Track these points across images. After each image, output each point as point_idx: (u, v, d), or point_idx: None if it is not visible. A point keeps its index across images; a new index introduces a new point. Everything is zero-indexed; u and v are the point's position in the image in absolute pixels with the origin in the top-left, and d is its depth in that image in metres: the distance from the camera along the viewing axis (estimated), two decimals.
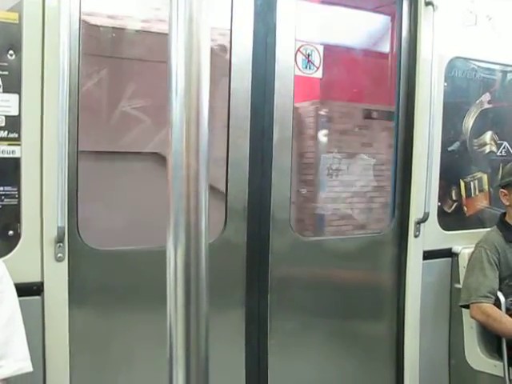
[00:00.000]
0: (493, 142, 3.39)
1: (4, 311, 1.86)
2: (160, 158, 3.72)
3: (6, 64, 2.11)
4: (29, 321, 1.97)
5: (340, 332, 3.07)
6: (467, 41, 3.19)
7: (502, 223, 3.12)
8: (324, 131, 5.47)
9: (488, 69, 3.32)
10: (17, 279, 1.98)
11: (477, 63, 3.26)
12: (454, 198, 3.27)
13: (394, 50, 3.21)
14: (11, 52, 2.11)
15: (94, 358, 2.46)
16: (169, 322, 0.79)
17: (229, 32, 2.60)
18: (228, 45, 2.61)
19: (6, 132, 2.13)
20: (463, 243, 3.22)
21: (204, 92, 0.76)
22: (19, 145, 2.15)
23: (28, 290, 2.13)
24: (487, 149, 3.38)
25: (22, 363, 1.86)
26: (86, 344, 2.42)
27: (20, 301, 1.98)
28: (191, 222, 0.78)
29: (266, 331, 2.81)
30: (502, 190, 3.11)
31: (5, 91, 2.11)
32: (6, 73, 2.11)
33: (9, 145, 2.13)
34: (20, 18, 2.10)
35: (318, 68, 2.88)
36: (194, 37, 0.76)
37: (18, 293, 2.00)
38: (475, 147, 3.33)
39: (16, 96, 2.13)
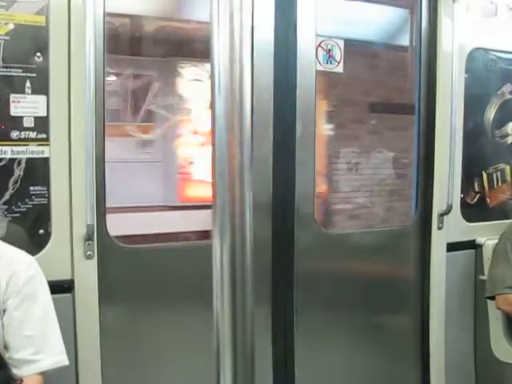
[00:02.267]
0: None
1: (39, 307, 1.90)
2: None
3: (34, 66, 2.14)
4: (60, 318, 1.99)
5: (365, 325, 3.08)
6: (488, 31, 3.17)
7: None
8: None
9: (509, 59, 3.30)
10: (48, 277, 2.00)
11: (498, 54, 3.25)
12: (476, 189, 3.26)
13: (414, 42, 3.20)
14: (38, 54, 2.15)
15: (125, 353, 2.50)
16: (215, 316, 0.80)
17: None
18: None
19: (35, 133, 2.17)
20: (487, 235, 3.22)
21: (246, 84, 0.78)
22: (48, 145, 2.18)
23: (59, 288, 2.16)
24: (509, 140, 3.37)
25: (59, 357, 1.90)
26: (117, 340, 2.45)
27: (51, 298, 2.01)
28: (236, 213, 0.79)
29: (293, 325, 2.82)
30: None
31: (33, 93, 2.15)
32: (34, 75, 2.15)
33: (38, 145, 2.17)
34: (47, 20, 2.14)
35: (338, 63, 2.89)
36: (236, 33, 0.77)
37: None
38: (497, 138, 3.32)
39: (44, 97, 2.16)
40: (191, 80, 3.94)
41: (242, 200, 0.79)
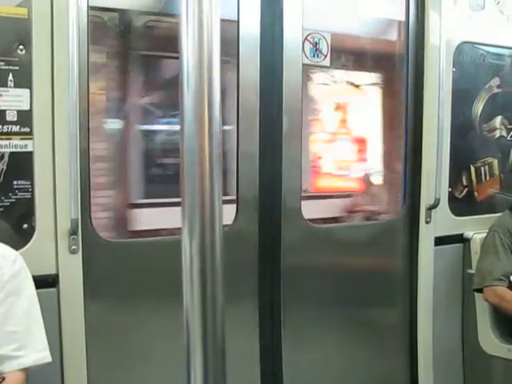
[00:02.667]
0: (503, 127, 3.38)
1: (23, 303, 1.88)
2: None
3: (16, 59, 2.12)
4: (45, 312, 1.98)
5: (353, 319, 3.08)
6: (475, 25, 3.17)
7: None
8: None
9: (497, 53, 3.30)
10: (32, 272, 1.99)
11: (485, 48, 3.24)
12: (464, 183, 3.26)
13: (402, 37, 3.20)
14: (21, 47, 2.13)
15: (111, 348, 2.49)
16: (185, 311, 0.80)
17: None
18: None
19: (19, 127, 2.15)
20: (474, 229, 3.22)
21: (215, 73, 0.77)
22: (31, 139, 2.17)
23: (43, 282, 2.16)
24: (497, 133, 3.37)
25: (42, 353, 1.89)
26: (102, 335, 2.45)
27: (36, 293, 2.00)
28: (206, 204, 0.79)
29: (280, 319, 2.83)
30: None
31: (16, 86, 2.13)
32: (17, 68, 2.13)
33: (21, 139, 2.16)
34: (29, 13, 2.11)
35: (325, 56, 2.88)
36: (205, 24, 0.76)
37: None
38: (485, 132, 3.32)
39: (27, 91, 2.15)
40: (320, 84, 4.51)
41: (211, 192, 0.78)
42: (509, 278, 2.95)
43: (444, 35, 2.97)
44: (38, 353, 1.88)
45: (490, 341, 3.10)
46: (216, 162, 0.78)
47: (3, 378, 1.78)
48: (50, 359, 1.91)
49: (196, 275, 0.79)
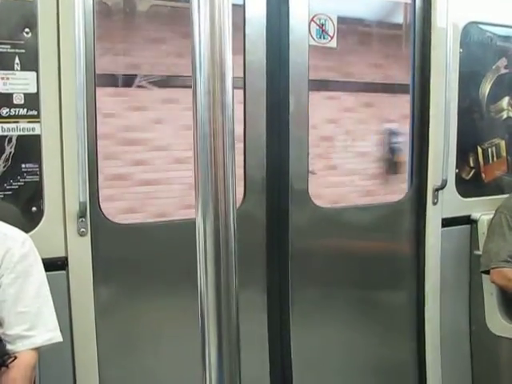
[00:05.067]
0: (510, 108, 3.36)
1: (33, 284, 1.90)
2: None
3: (22, 42, 2.12)
4: (55, 295, 2.00)
5: (361, 301, 3.09)
6: (482, 5, 3.14)
7: None
8: None
9: (504, 33, 3.27)
10: (41, 254, 2.00)
11: (492, 28, 3.21)
12: (471, 164, 3.25)
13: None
14: (27, 30, 2.12)
15: (120, 329, 2.51)
16: (200, 293, 0.80)
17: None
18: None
19: (26, 110, 2.15)
20: (482, 210, 3.21)
21: (228, 59, 0.77)
22: (39, 122, 2.17)
23: (53, 265, 2.17)
24: (504, 115, 3.35)
25: (53, 333, 1.91)
26: (112, 316, 2.46)
27: (46, 275, 2.02)
28: (219, 186, 0.78)
29: (288, 302, 2.83)
30: None
31: (22, 69, 2.13)
32: (23, 51, 2.12)
33: (28, 122, 2.16)
34: None
35: (332, 37, 2.86)
36: (216, 5, 0.76)
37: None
38: (492, 113, 3.30)
39: (34, 73, 2.14)
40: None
41: (225, 165, 0.78)
42: None
43: (451, 15, 2.95)
44: (49, 332, 1.90)
45: (497, 322, 3.11)
46: (230, 146, 0.78)
47: (15, 357, 1.80)
48: (60, 339, 1.93)
49: (210, 254, 0.79)
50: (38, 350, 1.88)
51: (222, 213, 0.78)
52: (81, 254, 2.27)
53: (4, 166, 2.14)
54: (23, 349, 1.83)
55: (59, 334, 1.92)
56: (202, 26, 0.76)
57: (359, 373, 3.11)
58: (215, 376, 0.80)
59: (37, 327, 1.86)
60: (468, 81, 3.17)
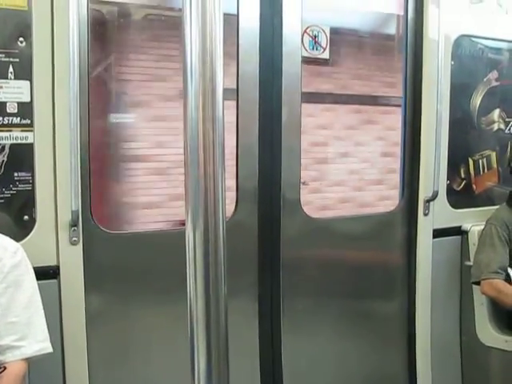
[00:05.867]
0: (501, 120, 3.39)
1: (24, 294, 1.89)
2: None
3: (16, 51, 2.13)
4: (46, 304, 1.99)
5: (352, 311, 3.10)
6: (474, 18, 3.17)
7: (511, 200, 3.13)
8: None
9: (495, 46, 3.31)
10: (33, 263, 2.00)
11: (484, 41, 3.25)
12: (462, 176, 3.27)
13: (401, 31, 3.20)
14: (21, 39, 2.13)
15: (111, 339, 2.51)
16: (189, 301, 0.80)
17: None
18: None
19: (19, 118, 2.16)
20: (472, 221, 3.23)
21: (218, 59, 0.78)
22: (32, 131, 2.17)
23: (44, 274, 2.17)
24: (495, 126, 3.38)
25: (43, 344, 1.90)
26: (103, 326, 2.46)
27: (37, 284, 2.01)
28: (209, 194, 0.79)
29: (279, 311, 2.84)
30: None
31: (16, 78, 2.13)
32: (17, 60, 2.13)
33: (22, 131, 2.16)
34: (29, 4, 2.12)
35: (324, 49, 2.89)
36: (208, 13, 0.77)
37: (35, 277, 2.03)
38: (483, 125, 3.33)
39: (27, 83, 2.15)
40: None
41: (214, 178, 0.79)
42: (506, 270, 2.97)
43: (442, 28, 2.98)
44: (39, 343, 1.89)
45: (487, 332, 3.13)
46: (219, 145, 0.79)
47: (5, 368, 1.79)
48: (51, 350, 1.92)
49: (200, 264, 0.79)
50: (27, 360, 1.87)
51: (211, 224, 0.79)
52: (73, 262, 2.27)
53: None
54: (13, 359, 1.82)
55: (49, 344, 1.92)
56: (194, 40, 0.77)
57: (349, 382, 3.12)
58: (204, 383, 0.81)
59: (27, 338, 1.86)
60: (459, 93, 3.20)
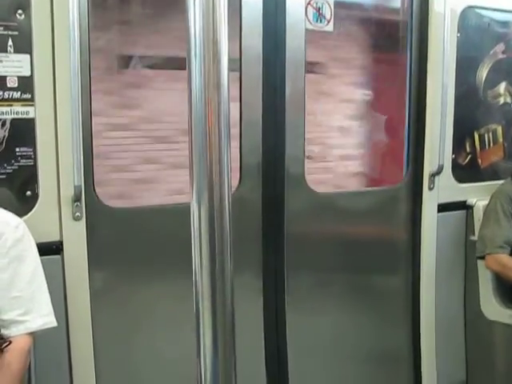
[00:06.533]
0: (507, 93, 3.35)
1: (27, 269, 1.90)
2: None
3: (15, 24, 2.09)
4: (49, 279, 1.99)
5: (356, 287, 3.09)
6: None
7: None
8: None
9: (502, 18, 3.25)
10: (36, 239, 2.00)
11: (490, 12, 3.19)
12: (468, 150, 3.24)
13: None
14: (20, 11, 2.09)
15: (115, 314, 2.51)
16: (194, 276, 0.79)
17: None
18: None
19: (19, 93, 2.13)
20: (478, 195, 3.21)
21: (223, 39, 0.75)
22: (33, 105, 2.15)
23: (48, 250, 2.16)
24: (501, 100, 3.34)
25: (47, 318, 1.91)
26: (107, 300, 2.46)
27: (40, 260, 2.01)
28: (214, 169, 0.77)
29: (283, 287, 2.84)
30: None
31: (16, 52, 2.10)
32: (16, 33, 2.10)
33: (22, 105, 2.14)
34: None
35: (328, 21, 2.84)
36: None
37: (38, 252, 2.02)
38: (489, 99, 3.29)
39: (27, 56, 2.12)
40: None
41: (220, 160, 0.77)
42: (511, 245, 2.96)
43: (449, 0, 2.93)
44: (44, 317, 1.90)
45: (491, 307, 3.13)
46: (224, 127, 0.77)
47: (10, 342, 1.79)
48: (55, 324, 1.93)
49: (205, 239, 0.78)
50: (32, 334, 1.88)
51: (216, 196, 0.77)
52: (76, 238, 2.26)
53: None
54: (18, 334, 1.83)
55: (54, 318, 1.92)
56: (198, 6, 0.75)
57: (354, 357, 3.12)
58: (210, 358, 0.80)
59: (31, 312, 1.86)
60: (465, 66, 3.15)
